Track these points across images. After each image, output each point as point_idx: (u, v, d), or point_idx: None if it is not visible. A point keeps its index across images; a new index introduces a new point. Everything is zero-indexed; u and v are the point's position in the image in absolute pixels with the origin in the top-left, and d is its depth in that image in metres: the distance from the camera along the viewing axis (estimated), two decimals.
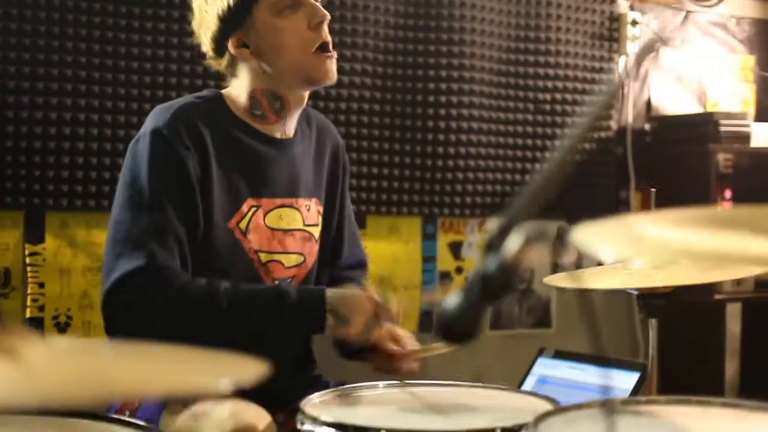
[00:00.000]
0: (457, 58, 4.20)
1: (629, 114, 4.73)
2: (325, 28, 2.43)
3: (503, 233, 1.27)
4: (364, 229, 3.98)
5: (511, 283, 1.26)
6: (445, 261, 4.31)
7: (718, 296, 4.41)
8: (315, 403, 1.96)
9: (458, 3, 4.21)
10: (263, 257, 2.43)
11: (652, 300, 2.43)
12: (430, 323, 4.26)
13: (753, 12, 5.15)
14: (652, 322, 2.46)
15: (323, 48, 2.42)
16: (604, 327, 4.68)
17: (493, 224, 1.28)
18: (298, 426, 1.87)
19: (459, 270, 4.36)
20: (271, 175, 2.46)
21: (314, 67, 2.42)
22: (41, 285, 3.49)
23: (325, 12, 2.43)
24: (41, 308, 3.51)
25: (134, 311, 2.23)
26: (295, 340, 2.50)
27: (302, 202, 2.51)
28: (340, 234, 2.72)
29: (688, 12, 4.95)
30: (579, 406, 1.78)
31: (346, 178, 2.72)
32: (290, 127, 2.52)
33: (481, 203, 4.30)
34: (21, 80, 3.43)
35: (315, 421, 1.83)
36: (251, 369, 1.26)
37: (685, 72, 4.92)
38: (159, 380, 1.14)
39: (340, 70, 2.50)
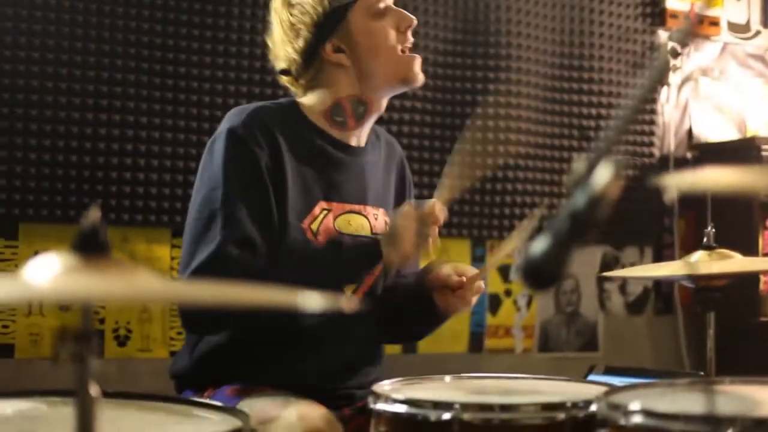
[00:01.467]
0: (504, 84, 4.28)
1: (671, 142, 4.79)
2: (410, 33, 2.53)
3: (590, 170, 1.29)
4: None
5: (601, 216, 1.28)
6: (494, 283, 4.35)
7: (763, 318, 4.41)
8: (386, 386, 2.00)
9: (504, 31, 4.30)
10: None
11: (708, 292, 2.46)
12: (479, 345, 4.30)
13: None
14: (710, 316, 2.49)
15: (410, 50, 2.52)
16: (650, 347, 4.71)
17: (578, 162, 1.30)
18: (370, 405, 1.91)
19: (508, 293, 4.40)
20: (342, 181, 2.51)
21: (407, 66, 2.51)
22: None
23: (412, 17, 2.52)
24: (101, 321, 3.58)
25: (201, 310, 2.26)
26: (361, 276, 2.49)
27: (370, 210, 2.55)
28: None
29: (726, 44, 5.02)
30: (647, 385, 1.83)
31: (411, 192, 2.78)
32: (363, 136, 2.58)
33: (529, 226, 4.33)
34: (85, 97, 3.53)
35: (387, 399, 1.87)
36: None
37: (724, 102, 4.98)
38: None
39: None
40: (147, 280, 1.26)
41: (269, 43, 2.57)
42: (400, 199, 2.70)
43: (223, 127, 2.41)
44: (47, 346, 3.47)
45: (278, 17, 2.53)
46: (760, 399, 1.75)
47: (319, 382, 2.44)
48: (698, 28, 4.65)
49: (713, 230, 2.51)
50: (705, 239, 2.50)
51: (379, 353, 2.69)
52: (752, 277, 4.38)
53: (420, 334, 2.89)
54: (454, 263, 2.56)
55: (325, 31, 2.46)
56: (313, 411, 2.21)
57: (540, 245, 1.31)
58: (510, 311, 4.39)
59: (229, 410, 1.63)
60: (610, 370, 3.66)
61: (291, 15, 2.48)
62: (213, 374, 2.45)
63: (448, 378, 2.15)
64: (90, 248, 1.25)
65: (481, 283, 2.52)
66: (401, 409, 1.84)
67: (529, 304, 4.45)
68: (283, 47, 2.52)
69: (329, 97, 2.51)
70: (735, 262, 2.47)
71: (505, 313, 4.38)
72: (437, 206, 2.35)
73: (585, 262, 4.51)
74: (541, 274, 1.33)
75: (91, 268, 1.23)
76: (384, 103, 2.57)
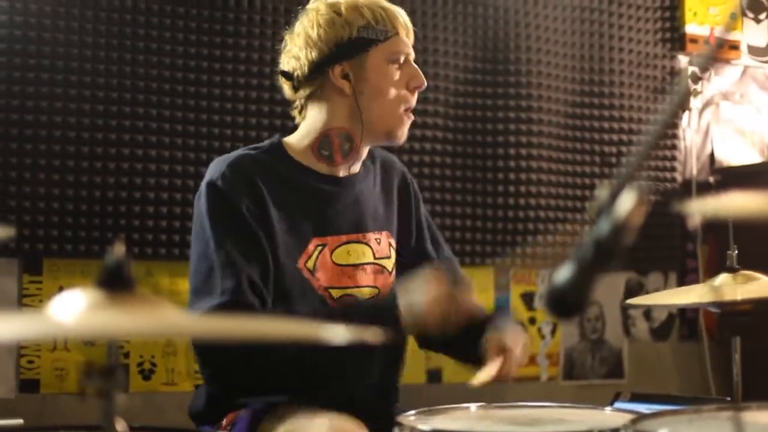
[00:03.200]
0: (525, 112, 4.30)
1: (693, 167, 4.78)
2: (416, 94, 2.53)
3: (613, 196, 1.29)
4: None
5: (625, 243, 1.28)
6: (518, 311, 4.34)
7: None
8: (411, 416, 2.00)
9: (525, 59, 4.32)
10: (335, 293, 2.45)
11: (734, 317, 2.44)
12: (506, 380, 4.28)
13: None
14: (735, 341, 2.47)
15: (408, 111, 2.51)
16: (676, 373, 4.69)
17: (601, 189, 1.30)
18: None
19: (532, 320, 4.40)
20: (335, 213, 2.50)
21: (399, 123, 2.49)
22: None
23: (424, 81, 2.52)
24: (126, 355, 3.59)
25: (220, 349, 2.24)
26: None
27: (371, 236, 2.54)
28: (429, 257, 2.71)
29: (746, 67, 5.02)
30: (674, 412, 1.82)
31: (419, 205, 2.74)
32: (355, 165, 2.56)
33: (551, 254, 4.34)
34: (107, 132, 3.56)
35: (413, 429, 1.85)
36: None
37: (745, 125, 4.97)
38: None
39: (412, 124, 2.58)
40: (172, 315, 1.26)
41: (287, 42, 2.56)
42: (405, 216, 2.68)
43: (204, 180, 2.42)
44: (72, 381, 3.49)
45: (306, 21, 2.51)
46: None
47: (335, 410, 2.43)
48: (719, 52, 4.65)
49: (736, 252, 2.49)
50: (728, 261, 2.49)
51: (397, 382, 2.68)
52: None
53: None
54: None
55: (341, 54, 2.45)
56: (345, 422, 2.22)
57: (564, 273, 1.31)
58: (534, 339, 4.38)
59: None
60: (636, 397, 3.64)
61: (318, 26, 2.47)
62: (229, 407, 2.45)
63: (473, 407, 2.13)
64: (115, 284, 1.25)
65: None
66: None
67: (553, 331, 4.44)
68: (297, 50, 2.51)
69: (320, 124, 2.50)
70: (760, 285, 2.45)
71: (530, 341, 4.36)
72: (470, 295, 2.31)
73: (609, 288, 4.50)
74: (566, 303, 1.33)
75: (117, 304, 1.23)
76: (366, 150, 2.56)
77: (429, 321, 2.26)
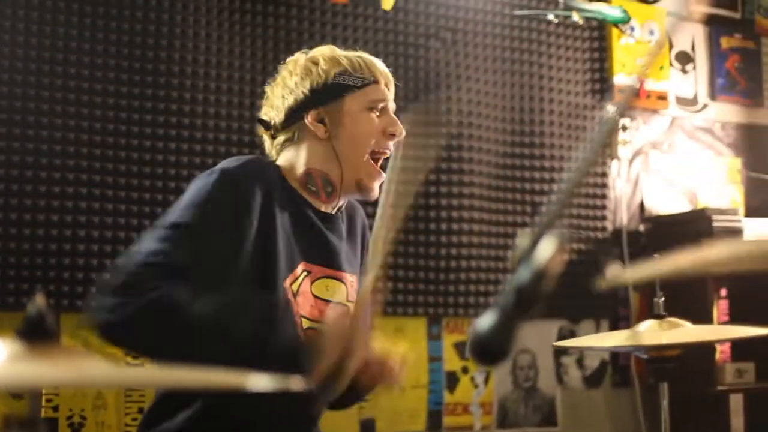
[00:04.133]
0: (457, 162, 4.33)
1: (624, 216, 4.85)
2: (391, 144, 2.50)
3: (533, 244, 1.31)
4: None
5: (545, 290, 1.30)
6: (451, 361, 4.35)
7: (720, 388, 4.44)
8: None
9: (455, 110, 4.36)
10: (305, 323, 2.42)
11: (661, 363, 2.47)
12: (438, 423, 4.29)
13: (737, 117, 5.32)
14: (663, 387, 2.50)
15: (380, 160, 2.50)
16: (608, 420, 4.72)
17: (522, 238, 1.32)
18: None
19: (465, 370, 4.40)
20: (320, 245, 2.48)
21: (370, 174, 2.47)
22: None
23: (402, 129, 2.49)
24: (55, 408, 3.54)
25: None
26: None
27: (347, 278, 2.52)
28: None
29: (674, 118, 5.11)
30: None
31: (366, 254, 2.78)
32: (339, 204, 2.56)
33: (484, 303, 4.37)
34: (37, 184, 3.54)
35: None
36: None
37: (675, 175, 5.06)
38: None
39: None
40: (95, 366, 1.25)
41: (268, 92, 2.56)
42: (362, 257, 2.67)
43: (219, 166, 2.36)
44: None
45: (285, 72, 2.52)
46: None
47: None
48: (633, 99, 4.74)
49: (663, 299, 2.53)
50: (655, 309, 2.53)
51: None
52: (708, 347, 4.42)
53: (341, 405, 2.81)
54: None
55: (316, 100, 2.46)
56: None
57: (487, 321, 1.32)
58: (467, 388, 4.39)
59: None
60: None
61: (295, 74, 2.49)
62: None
63: None
64: (36, 334, 1.25)
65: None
66: None
67: (486, 380, 4.45)
68: (274, 100, 2.52)
69: (301, 163, 2.49)
70: (685, 331, 2.49)
71: (463, 391, 4.38)
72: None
73: (541, 336, 4.53)
74: (489, 350, 1.34)
75: (38, 355, 1.22)
76: (343, 201, 2.55)
77: (328, 360, 2.20)
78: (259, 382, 1.24)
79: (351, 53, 2.53)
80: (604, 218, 4.76)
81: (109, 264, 3.56)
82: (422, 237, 4.26)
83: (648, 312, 2.58)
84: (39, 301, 1.27)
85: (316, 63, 2.48)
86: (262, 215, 2.33)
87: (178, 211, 2.31)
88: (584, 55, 4.79)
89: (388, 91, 2.54)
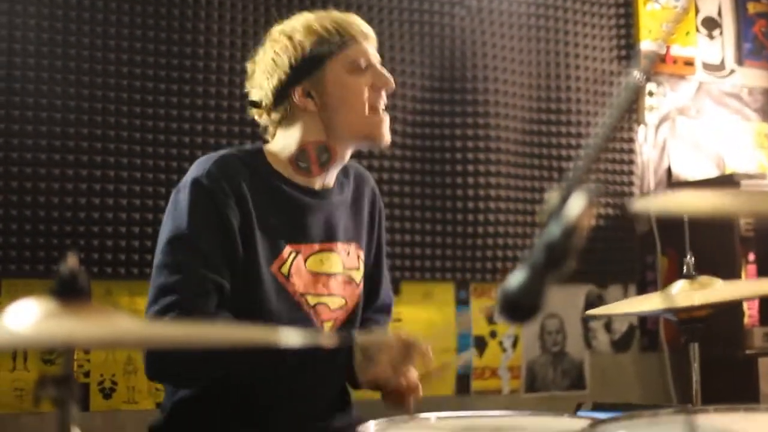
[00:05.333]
0: (483, 129, 4.33)
1: (651, 181, 4.83)
2: (385, 94, 2.54)
3: (563, 200, 1.30)
4: (398, 295, 4.05)
5: (576, 246, 1.30)
6: (479, 325, 4.37)
7: (749, 351, 4.43)
8: (369, 427, 2.00)
9: (482, 77, 4.36)
10: (311, 300, 2.47)
11: (692, 324, 2.46)
12: (466, 386, 4.31)
13: (764, 82, 5.29)
14: (694, 347, 2.49)
15: (380, 110, 2.52)
16: (637, 384, 4.72)
17: (551, 194, 1.32)
18: None
19: (493, 334, 4.42)
20: (309, 223, 2.51)
21: (374, 126, 2.50)
22: (86, 351, 3.56)
23: (391, 80, 2.53)
24: (87, 374, 3.59)
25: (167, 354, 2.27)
26: (329, 382, 2.49)
27: (341, 247, 2.55)
28: (379, 276, 2.76)
29: (701, 83, 5.08)
30: (631, 416, 1.83)
31: (382, 222, 2.77)
32: (330, 179, 2.58)
33: (511, 268, 4.35)
34: (65, 153, 3.55)
35: None
36: None
37: (702, 140, 5.03)
38: None
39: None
40: (126, 324, 1.27)
41: (249, 71, 2.58)
42: (372, 225, 2.71)
43: (188, 177, 2.41)
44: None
45: (264, 51, 2.54)
46: (740, 428, 1.76)
47: (297, 422, 2.44)
48: (660, 63, 4.71)
49: (693, 260, 2.52)
50: (685, 269, 2.51)
51: (349, 399, 2.67)
52: (737, 311, 4.41)
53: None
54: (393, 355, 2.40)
55: (299, 75, 2.47)
56: None
57: (517, 278, 1.32)
58: (496, 353, 4.40)
59: None
60: (597, 407, 3.66)
61: (275, 52, 2.49)
62: (185, 425, 2.44)
63: (433, 418, 2.14)
64: (69, 293, 1.26)
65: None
66: None
67: (514, 345, 4.46)
68: (258, 80, 2.53)
69: (295, 141, 2.51)
70: (716, 290, 2.47)
71: (491, 355, 4.39)
72: (428, 349, 2.33)
73: (569, 301, 4.53)
74: (519, 307, 1.34)
75: (71, 313, 1.24)
76: (348, 153, 2.57)
77: (379, 373, 2.27)
78: (290, 337, 1.26)
79: (323, 16, 2.51)
80: (631, 184, 4.73)
81: (137, 231, 3.59)
82: (450, 203, 4.26)
83: (676, 275, 2.56)
84: (71, 260, 1.28)
85: (291, 37, 2.48)
86: (239, 214, 2.38)
87: (165, 234, 2.38)
88: (610, 22, 4.76)
89: (369, 45, 2.55)
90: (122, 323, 1.27)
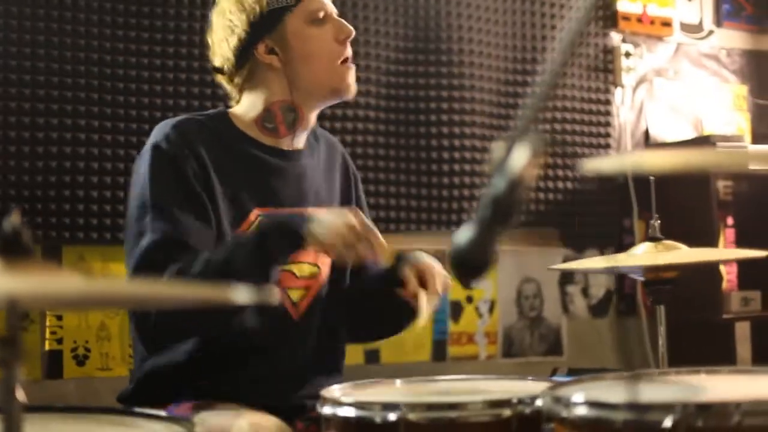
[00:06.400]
0: (458, 90, 4.32)
1: (628, 143, 4.82)
2: (348, 43, 2.52)
3: (508, 153, 1.29)
4: None
5: (521, 198, 1.29)
6: (455, 290, 4.33)
7: (726, 316, 4.43)
8: (335, 391, 2.00)
9: (456, 37, 4.34)
10: None
11: (658, 285, 2.47)
12: (443, 352, 4.30)
13: (743, 43, 5.27)
14: (660, 309, 2.50)
15: (346, 61, 2.52)
16: (615, 349, 4.73)
17: (497, 148, 1.30)
18: (318, 410, 1.90)
19: (469, 299, 4.41)
20: (278, 186, 2.50)
21: (340, 77, 2.50)
22: (59, 318, 3.55)
23: (351, 28, 2.52)
24: (59, 341, 3.56)
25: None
26: (284, 257, 2.38)
27: (311, 211, 2.52)
28: None
29: (680, 44, 5.06)
30: (592, 378, 1.83)
31: (358, 185, 2.76)
32: (299, 141, 2.57)
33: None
34: (35, 116, 3.52)
35: (335, 403, 1.87)
36: None
37: (679, 102, 5.01)
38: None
39: (345, 104, 2.59)
40: (71, 281, 1.26)
41: (208, 39, 2.58)
42: (345, 195, 2.69)
43: (148, 143, 2.41)
44: None
45: (218, 14, 2.53)
46: (706, 386, 1.76)
47: (269, 392, 2.42)
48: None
49: (659, 222, 2.52)
50: (650, 231, 2.52)
51: (336, 365, 2.65)
52: (714, 275, 4.41)
53: (386, 331, 2.78)
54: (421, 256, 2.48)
55: (260, 32, 2.47)
56: (266, 420, 2.22)
57: (465, 234, 1.32)
58: (472, 318, 4.40)
59: (172, 419, 1.58)
60: (572, 372, 3.68)
61: (230, 12, 2.48)
62: (158, 393, 2.43)
63: (398, 381, 2.14)
64: (13, 250, 1.25)
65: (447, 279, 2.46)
66: (349, 412, 1.84)
67: (491, 310, 4.45)
68: (219, 44, 2.53)
69: (260, 102, 2.50)
70: (681, 253, 2.48)
71: (468, 320, 4.38)
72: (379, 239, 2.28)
73: (545, 265, 4.52)
74: (469, 263, 1.34)
75: (14, 271, 1.22)
76: (315, 114, 2.57)
77: (330, 240, 2.24)
78: (239, 294, 1.24)
79: None
80: (608, 146, 4.72)
81: (109, 195, 3.57)
82: (424, 165, 4.24)
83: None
84: (14, 217, 1.26)
85: None
86: (199, 178, 2.37)
87: (135, 201, 2.38)
88: None
89: None
90: (67, 281, 1.26)
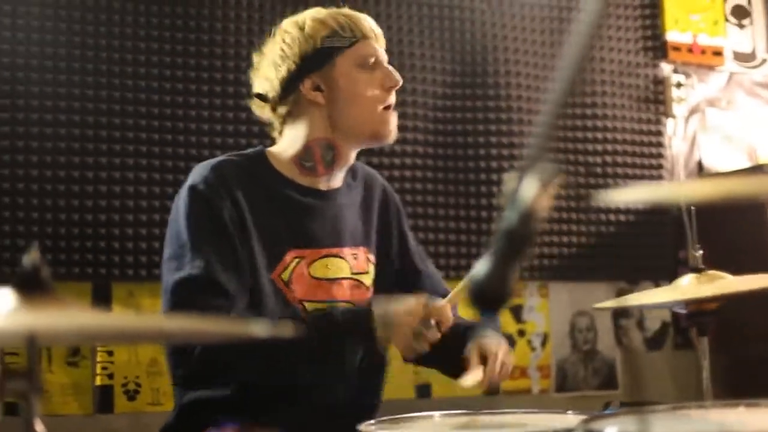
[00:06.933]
0: (506, 124, 4.32)
1: (681, 174, 4.77)
2: (393, 93, 2.54)
3: (518, 184, 1.29)
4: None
5: (533, 229, 1.28)
6: (506, 324, 4.32)
7: None
8: (372, 425, 1.99)
9: (503, 71, 4.34)
10: (308, 306, 2.44)
11: (701, 317, 2.44)
12: (495, 387, 4.26)
13: None
14: (703, 341, 2.46)
15: (389, 108, 2.52)
16: (671, 383, 4.66)
17: (509, 179, 1.30)
18: None
19: (521, 333, 4.39)
20: (314, 226, 2.50)
21: (382, 122, 2.50)
22: (110, 353, 3.60)
23: (399, 78, 2.52)
24: (110, 376, 3.61)
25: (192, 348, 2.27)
26: (353, 359, 2.38)
27: (347, 251, 2.52)
28: (415, 270, 2.73)
29: (732, 73, 5.02)
30: (628, 411, 1.81)
31: (401, 219, 2.74)
32: (336, 180, 2.57)
33: (539, 266, 4.35)
34: (84, 156, 3.58)
35: None
36: None
37: (733, 131, 4.97)
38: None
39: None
40: (88, 317, 1.27)
41: (256, 62, 2.59)
42: (386, 226, 2.68)
43: (186, 185, 2.43)
44: (56, 402, 3.52)
45: (273, 42, 2.54)
46: (743, 420, 1.73)
47: (311, 424, 2.42)
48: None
49: (701, 253, 2.49)
50: (691, 262, 2.49)
51: (376, 401, 2.65)
52: None
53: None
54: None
55: (309, 67, 2.47)
56: None
57: (482, 267, 1.31)
58: (525, 351, 4.37)
59: None
60: (624, 406, 3.63)
61: (283, 42, 2.49)
62: (199, 422, 2.44)
63: (437, 415, 2.14)
64: (31, 286, 1.27)
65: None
66: None
67: (543, 343, 4.42)
68: (266, 72, 2.53)
69: (300, 138, 2.51)
70: (724, 283, 2.44)
71: (520, 354, 4.35)
72: (447, 309, 2.31)
73: (599, 298, 4.48)
74: (487, 295, 1.34)
75: (33, 306, 1.24)
76: (353, 154, 2.56)
77: (401, 332, 2.26)
78: (257, 328, 1.26)
79: (335, 12, 2.52)
80: (660, 177, 4.68)
81: (157, 233, 3.60)
82: (473, 199, 4.24)
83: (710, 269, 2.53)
84: (34, 253, 1.28)
85: (302, 29, 2.48)
86: (234, 221, 2.38)
87: (172, 240, 2.39)
88: (636, 12, 4.72)
89: (378, 44, 2.55)
90: (84, 317, 1.27)
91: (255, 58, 2.59)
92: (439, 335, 2.31)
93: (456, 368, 2.47)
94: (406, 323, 2.26)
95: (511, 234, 1.29)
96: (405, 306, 2.28)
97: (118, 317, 1.37)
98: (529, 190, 1.26)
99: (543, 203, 1.29)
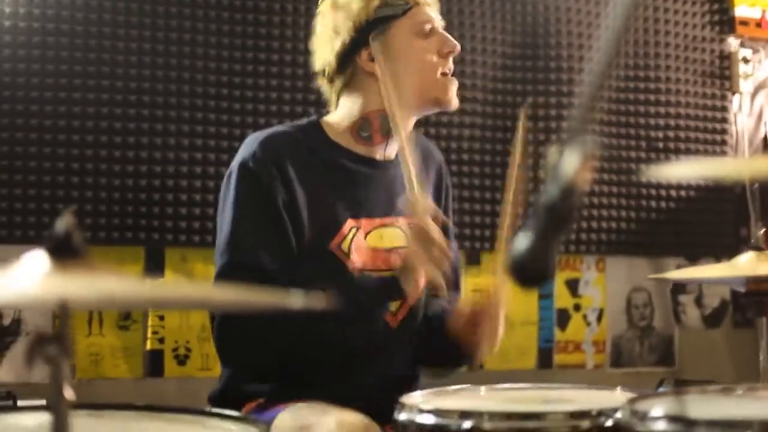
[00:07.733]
0: (566, 97, 4.26)
1: (746, 150, 4.68)
2: (451, 59, 2.51)
3: (560, 157, 1.25)
4: (479, 265, 4.02)
5: (575, 204, 1.25)
6: (562, 298, 4.29)
7: None
8: (414, 396, 1.96)
9: (566, 44, 4.28)
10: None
11: (760, 296, 2.39)
12: (549, 360, 4.24)
13: None
14: (761, 321, 2.41)
15: (447, 74, 2.50)
16: (729, 361, 4.58)
17: (550, 153, 1.27)
18: (396, 416, 1.86)
19: (577, 307, 4.34)
20: (369, 196, 2.49)
21: (442, 89, 2.48)
22: (161, 318, 3.61)
23: (456, 44, 2.50)
24: (161, 340, 3.63)
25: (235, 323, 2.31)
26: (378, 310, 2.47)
27: (403, 221, 2.50)
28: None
29: None
30: (676, 392, 1.77)
31: (449, 200, 2.73)
32: (392, 150, 2.54)
33: (596, 240, 4.29)
34: (140, 122, 3.59)
35: (413, 409, 1.83)
36: None
37: None
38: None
39: (448, 114, 2.57)
40: (120, 283, 1.26)
41: (312, 43, 2.57)
42: (437, 200, 2.65)
43: (236, 160, 2.43)
44: (107, 365, 3.54)
45: (324, 18, 2.52)
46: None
47: (361, 397, 2.40)
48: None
49: (763, 230, 2.44)
50: (753, 240, 2.44)
51: (418, 374, 2.65)
52: None
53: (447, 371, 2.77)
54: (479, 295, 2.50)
55: (363, 38, 2.45)
56: (353, 417, 2.19)
57: (523, 241, 1.28)
58: (580, 326, 4.32)
59: (246, 420, 1.59)
60: (679, 384, 3.58)
61: (336, 16, 2.47)
62: (241, 394, 2.44)
63: (483, 389, 2.11)
64: (64, 252, 1.26)
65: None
66: (427, 419, 1.80)
67: (599, 318, 4.37)
68: (322, 48, 2.52)
69: (357, 109, 2.49)
70: None
71: (575, 328, 4.31)
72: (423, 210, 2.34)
73: (657, 274, 4.42)
74: (528, 271, 1.31)
75: (66, 272, 1.23)
76: (412, 122, 2.54)
77: (420, 272, 2.33)
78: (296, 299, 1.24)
79: None
80: (725, 153, 4.59)
81: (212, 199, 3.60)
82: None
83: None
84: (67, 219, 1.27)
85: (353, 1, 2.46)
86: (284, 198, 2.37)
87: (222, 214, 2.43)
88: None
89: (432, 10, 2.51)
90: (119, 282, 1.26)
91: (311, 42, 2.58)
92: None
93: (452, 350, 2.50)
94: (415, 257, 2.30)
95: (551, 209, 1.26)
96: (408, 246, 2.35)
97: (148, 284, 1.36)
98: (571, 163, 1.23)
99: (584, 177, 1.26)
